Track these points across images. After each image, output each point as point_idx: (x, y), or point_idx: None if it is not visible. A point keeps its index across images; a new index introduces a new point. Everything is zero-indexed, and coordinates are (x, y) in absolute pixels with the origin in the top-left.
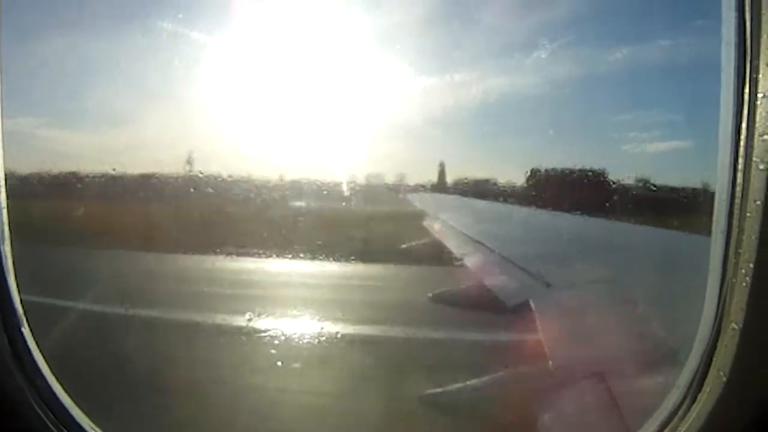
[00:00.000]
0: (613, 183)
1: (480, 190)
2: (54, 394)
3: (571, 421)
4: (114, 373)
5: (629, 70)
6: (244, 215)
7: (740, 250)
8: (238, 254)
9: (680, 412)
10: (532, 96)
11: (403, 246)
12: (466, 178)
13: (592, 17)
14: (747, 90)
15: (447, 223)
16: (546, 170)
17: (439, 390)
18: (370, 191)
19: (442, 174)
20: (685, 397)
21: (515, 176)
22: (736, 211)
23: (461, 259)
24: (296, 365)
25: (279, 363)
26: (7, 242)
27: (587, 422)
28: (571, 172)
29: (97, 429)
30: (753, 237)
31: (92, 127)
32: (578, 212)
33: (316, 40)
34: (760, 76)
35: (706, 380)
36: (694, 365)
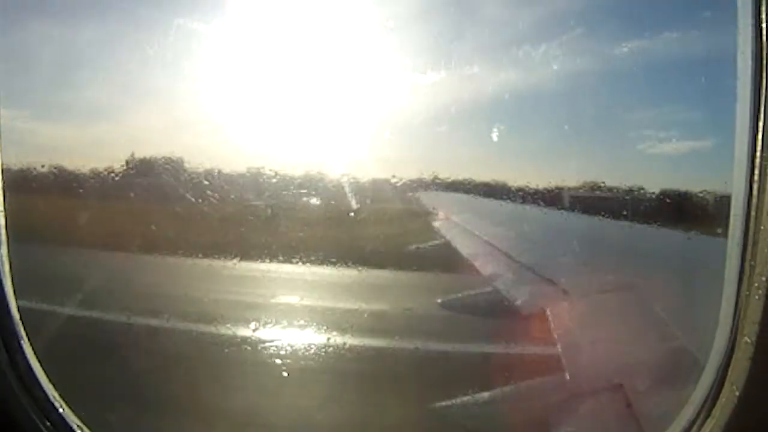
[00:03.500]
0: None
1: (491, 190)
2: (50, 402)
3: None
4: (110, 379)
5: (645, 65)
6: (236, 215)
7: (753, 263)
8: (231, 257)
9: (694, 428)
10: (542, 92)
11: (410, 249)
12: (475, 179)
13: (606, 8)
14: (765, 89)
15: (457, 225)
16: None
17: (449, 403)
18: (371, 189)
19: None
20: (699, 412)
21: (526, 176)
22: (751, 223)
23: (472, 264)
24: (294, 381)
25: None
26: (5, 246)
27: None
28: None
29: None
30: (766, 251)
31: (78, 120)
32: (597, 215)
33: (315, 31)
34: None
35: (721, 395)
36: (710, 379)
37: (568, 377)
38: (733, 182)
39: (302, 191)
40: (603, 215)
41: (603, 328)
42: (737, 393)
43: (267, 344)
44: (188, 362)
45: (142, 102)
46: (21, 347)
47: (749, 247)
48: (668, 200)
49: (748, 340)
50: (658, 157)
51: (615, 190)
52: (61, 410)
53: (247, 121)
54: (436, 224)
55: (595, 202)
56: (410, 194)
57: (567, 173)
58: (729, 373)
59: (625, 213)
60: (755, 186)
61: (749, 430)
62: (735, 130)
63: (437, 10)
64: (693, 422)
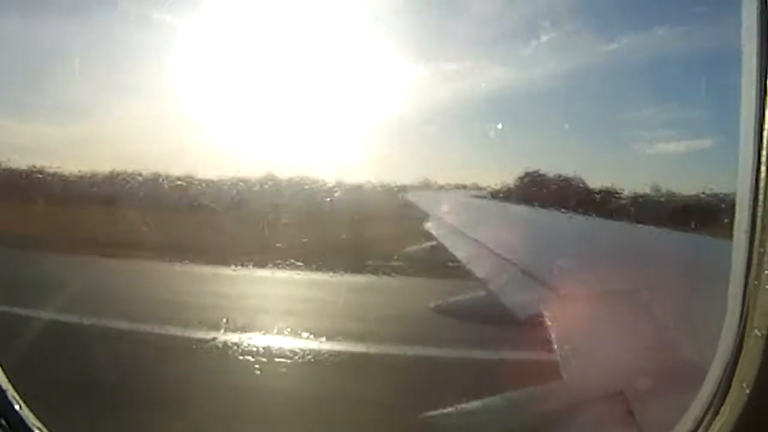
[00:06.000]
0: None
1: (483, 190)
2: (11, 405)
3: None
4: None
5: (643, 61)
6: (217, 218)
7: (762, 251)
8: (211, 263)
9: (701, 428)
10: (536, 89)
11: (399, 252)
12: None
13: (601, 2)
14: None
15: (449, 225)
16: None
17: (441, 412)
18: (354, 191)
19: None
20: (707, 411)
21: (519, 176)
22: (759, 211)
23: (465, 266)
24: (278, 392)
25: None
26: None
27: None
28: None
29: None
30: None
31: (50, 118)
32: (594, 216)
33: (300, 28)
34: None
35: (729, 392)
36: (717, 376)
37: (566, 385)
38: (738, 169)
39: (288, 193)
40: (602, 216)
41: (603, 334)
42: (747, 390)
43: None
44: None
45: (119, 100)
46: None
47: (757, 235)
48: (668, 202)
49: (758, 333)
50: (656, 157)
51: (612, 191)
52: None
53: (230, 120)
54: (427, 225)
55: (591, 204)
56: (400, 195)
57: (562, 173)
58: (738, 369)
59: (625, 214)
60: (763, 170)
61: (760, 428)
62: (741, 113)
63: (427, 5)
64: (700, 421)
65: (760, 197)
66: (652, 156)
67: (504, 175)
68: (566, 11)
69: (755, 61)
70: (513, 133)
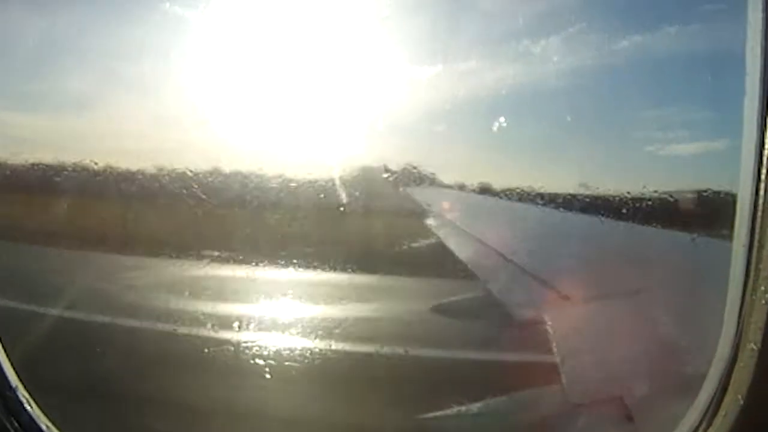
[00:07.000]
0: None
1: (488, 189)
2: (21, 405)
3: None
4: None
5: (653, 60)
6: (214, 216)
7: (759, 266)
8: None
9: None
10: (544, 89)
11: (398, 249)
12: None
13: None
14: None
15: (451, 223)
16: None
17: (438, 414)
18: (362, 192)
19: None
20: (701, 422)
21: (526, 175)
22: (757, 225)
23: (467, 265)
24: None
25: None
26: None
27: None
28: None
29: None
30: None
31: (56, 111)
32: (599, 216)
33: (309, 23)
34: None
35: (723, 403)
36: (713, 387)
37: (566, 388)
38: (739, 181)
39: (290, 190)
40: (606, 217)
41: (605, 337)
42: (741, 402)
43: None
44: None
45: (123, 93)
46: None
47: (755, 249)
48: (677, 203)
49: (753, 347)
50: (668, 159)
51: (620, 193)
52: (32, 412)
53: (236, 115)
54: (429, 222)
55: (597, 204)
56: (401, 189)
57: (569, 173)
58: (733, 381)
59: (629, 215)
60: (762, 185)
61: None
62: (743, 127)
63: (434, 1)
64: (695, 430)
65: (759, 213)
66: (664, 157)
67: (513, 172)
68: (572, 11)
69: (759, 62)
70: (521, 132)
